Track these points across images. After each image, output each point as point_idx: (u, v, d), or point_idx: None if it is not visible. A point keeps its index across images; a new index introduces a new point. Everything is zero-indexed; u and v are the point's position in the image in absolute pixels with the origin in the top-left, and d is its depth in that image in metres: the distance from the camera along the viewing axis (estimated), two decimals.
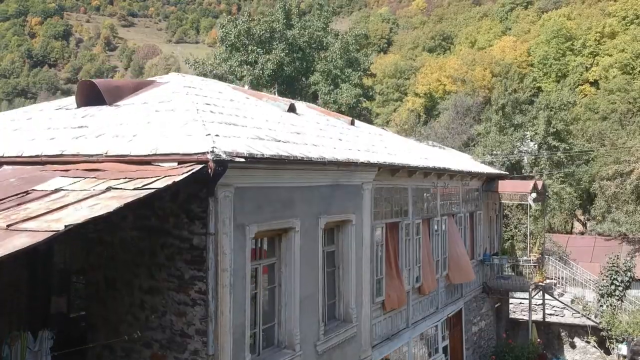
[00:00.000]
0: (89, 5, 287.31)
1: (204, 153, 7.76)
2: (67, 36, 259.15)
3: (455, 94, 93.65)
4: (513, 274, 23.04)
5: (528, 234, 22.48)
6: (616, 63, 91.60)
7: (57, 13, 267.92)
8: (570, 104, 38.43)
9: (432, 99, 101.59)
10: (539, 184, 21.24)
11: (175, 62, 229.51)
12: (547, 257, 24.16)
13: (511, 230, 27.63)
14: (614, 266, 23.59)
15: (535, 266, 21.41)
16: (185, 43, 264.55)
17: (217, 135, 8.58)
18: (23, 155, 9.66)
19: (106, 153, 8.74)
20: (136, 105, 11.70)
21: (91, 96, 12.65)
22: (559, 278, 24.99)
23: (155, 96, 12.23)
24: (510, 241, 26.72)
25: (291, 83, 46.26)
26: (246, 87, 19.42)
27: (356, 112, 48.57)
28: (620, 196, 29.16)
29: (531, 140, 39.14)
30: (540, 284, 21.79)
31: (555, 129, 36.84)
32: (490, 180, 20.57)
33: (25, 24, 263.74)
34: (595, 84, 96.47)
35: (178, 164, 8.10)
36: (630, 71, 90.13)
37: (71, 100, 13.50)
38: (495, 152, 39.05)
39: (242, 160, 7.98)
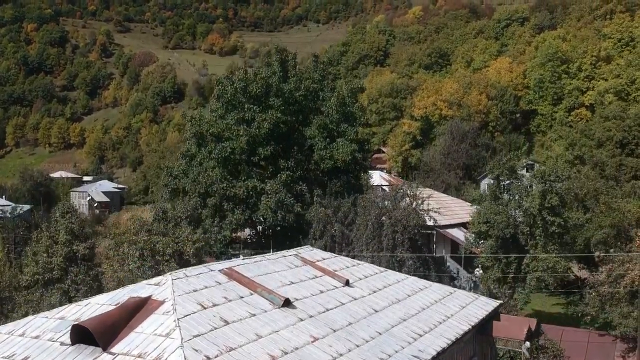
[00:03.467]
0: (85, 10, 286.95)
1: None
2: (63, 42, 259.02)
3: (451, 118, 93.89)
4: None
5: None
6: (611, 88, 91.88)
7: (53, 19, 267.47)
8: (565, 176, 38.58)
9: (429, 122, 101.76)
10: (533, 325, 21.37)
11: (172, 70, 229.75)
12: None
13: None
14: None
15: None
16: (182, 49, 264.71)
17: None
18: None
19: None
20: None
21: (85, 335, 12.78)
22: None
23: (151, 339, 12.39)
24: None
25: (287, 138, 46.42)
26: (241, 257, 19.55)
27: (352, 166, 48.76)
28: (615, 295, 29.38)
29: (525, 212, 39.29)
30: None
31: (550, 205, 36.99)
32: (484, 323, 20.66)
33: (21, 30, 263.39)
34: (591, 107, 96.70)
35: None
36: (626, 97, 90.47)
37: (68, 321, 13.58)
38: (490, 221, 39.27)
39: None
